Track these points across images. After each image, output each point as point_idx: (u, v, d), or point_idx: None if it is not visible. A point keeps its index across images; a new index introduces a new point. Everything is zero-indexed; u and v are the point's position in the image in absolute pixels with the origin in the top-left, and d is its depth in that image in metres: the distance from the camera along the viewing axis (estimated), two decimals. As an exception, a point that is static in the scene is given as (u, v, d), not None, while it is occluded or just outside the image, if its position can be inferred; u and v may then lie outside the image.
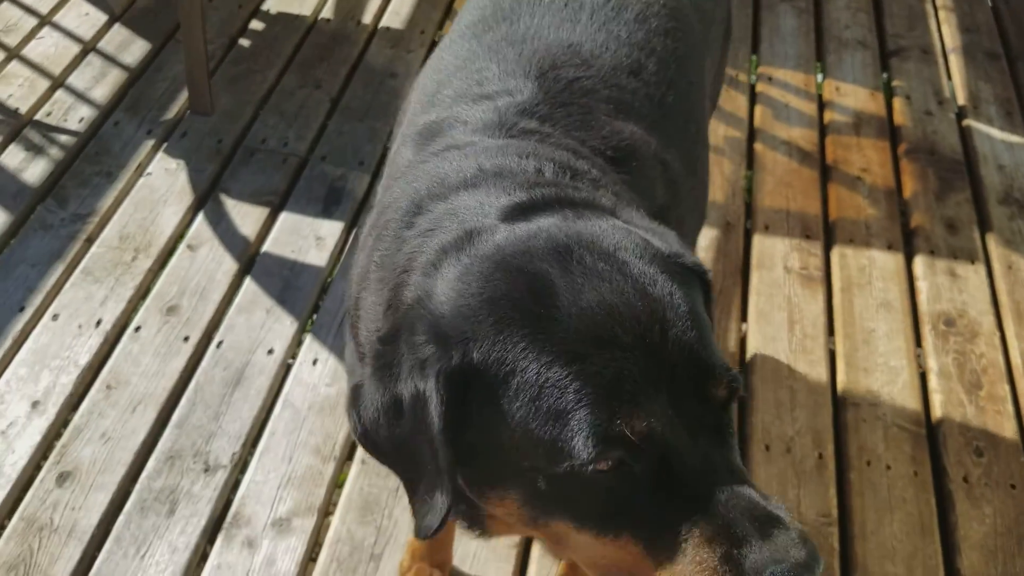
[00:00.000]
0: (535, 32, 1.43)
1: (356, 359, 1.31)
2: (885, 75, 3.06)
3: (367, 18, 3.10)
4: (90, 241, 2.37)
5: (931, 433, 2.11)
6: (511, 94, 1.33)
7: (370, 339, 1.14)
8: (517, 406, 0.92)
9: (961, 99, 2.97)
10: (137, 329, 2.19)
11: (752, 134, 2.79)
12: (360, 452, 2.00)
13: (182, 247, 2.37)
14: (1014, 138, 2.84)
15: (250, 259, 2.36)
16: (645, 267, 0.98)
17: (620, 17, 1.47)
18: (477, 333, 0.94)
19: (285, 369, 2.15)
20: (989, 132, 2.86)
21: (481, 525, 1.13)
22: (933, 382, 2.20)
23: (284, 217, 2.46)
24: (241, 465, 1.98)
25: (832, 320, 2.30)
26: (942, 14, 3.31)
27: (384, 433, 1.00)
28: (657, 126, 1.39)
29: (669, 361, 0.92)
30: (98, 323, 2.19)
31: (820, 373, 2.19)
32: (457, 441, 0.95)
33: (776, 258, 2.42)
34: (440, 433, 0.93)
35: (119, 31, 2.99)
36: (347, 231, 2.44)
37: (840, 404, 2.14)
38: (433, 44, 3.03)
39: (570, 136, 1.29)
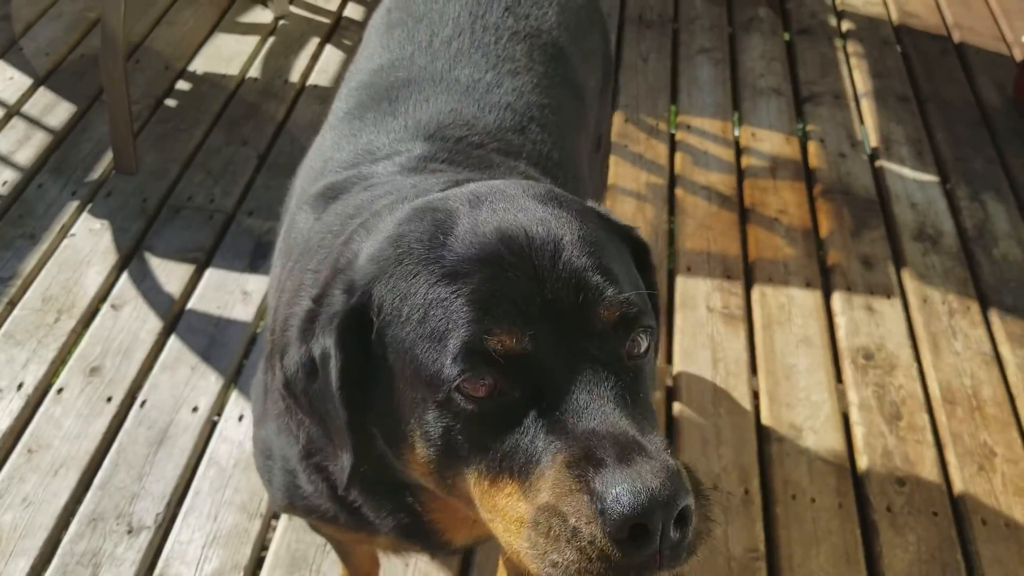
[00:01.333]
0: (415, 106, 1.46)
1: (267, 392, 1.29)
2: (799, 121, 3.17)
3: (294, 76, 3.13)
4: (12, 304, 2.34)
5: (854, 465, 2.16)
6: (408, 152, 1.35)
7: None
8: (407, 332, 0.92)
9: (873, 141, 3.08)
10: (59, 391, 2.16)
11: (673, 180, 2.86)
12: (287, 507, 1.98)
13: (105, 307, 2.35)
14: (925, 177, 2.95)
15: (175, 317, 2.35)
16: (557, 209, 0.97)
17: (499, 88, 1.51)
18: (380, 271, 0.95)
19: (210, 426, 2.12)
20: (901, 172, 2.96)
21: (415, 516, 1.11)
22: (854, 415, 2.25)
23: (210, 273, 2.45)
24: (166, 526, 1.94)
25: (755, 357, 2.35)
26: (853, 60, 3.45)
27: (300, 388, 1.01)
28: (547, 173, 1.44)
29: (556, 285, 0.89)
30: (20, 386, 2.15)
31: (744, 409, 2.23)
32: (364, 396, 0.96)
33: (699, 298, 2.47)
34: (338, 391, 0.94)
35: (44, 94, 2.98)
36: (274, 285, 2.43)
37: (764, 439, 2.17)
38: (361, 100, 3.06)
39: (476, 172, 1.32)
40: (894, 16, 3.70)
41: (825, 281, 2.57)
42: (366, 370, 0.95)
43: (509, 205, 0.96)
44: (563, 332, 0.88)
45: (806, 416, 2.22)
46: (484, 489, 0.90)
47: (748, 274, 2.57)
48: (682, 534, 0.82)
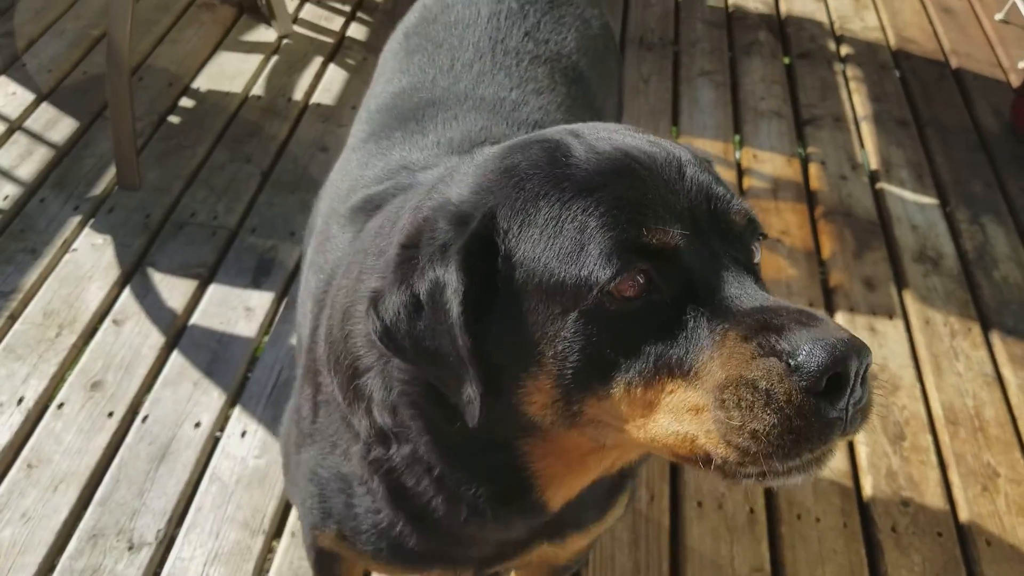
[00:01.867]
0: (443, 124, 1.45)
1: (310, 409, 1.25)
2: (800, 143, 3.19)
3: (298, 95, 3.14)
4: (13, 318, 2.32)
5: (858, 485, 2.15)
6: (446, 165, 1.29)
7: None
8: (540, 249, 0.90)
9: (874, 164, 3.10)
10: (60, 406, 2.14)
11: (676, 200, 2.87)
12: (289, 525, 1.96)
13: (107, 322, 2.34)
14: (925, 199, 2.97)
15: (177, 332, 2.34)
16: (654, 137, 1.00)
17: (525, 106, 1.51)
18: (496, 199, 0.93)
19: (213, 442, 2.11)
20: (901, 194, 2.98)
21: (511, 475, 1.05)
22: (858, 435, 2.24)
23: (213, 289, 2.44)
24: (167, 542, 1.92)
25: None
26: (853, 84, 3.48)
27: (404, 329, 0.95)
28: None
29: (688, 195, 0.91)
30: (20, 401, 2.14)
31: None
32: (483, 324, 0.92)
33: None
34: (459, 317, 0.90)
35: (46, 109, 2.98)
36: (277, 301, 2.43)
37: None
38: (364, 118, 3.08)
39: None
40: (892, 41, 3.74)
41: (828, 302, 2.58)
42: (484, 299, 0.92)
43: (613, 134, 0.98)
44: (703, 235, 0.90)
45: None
46: (636, 396, 0.87)
47: (751, 294, 2.57)
48: (865, 391, 0.82)
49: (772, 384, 0.80)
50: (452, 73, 1.56)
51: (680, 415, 0.86)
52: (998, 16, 3.91)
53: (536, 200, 0.91)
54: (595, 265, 0.86)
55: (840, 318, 2.52)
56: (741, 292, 0.88)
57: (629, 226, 0.87)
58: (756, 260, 0.96)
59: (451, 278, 0.91)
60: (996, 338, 2.51)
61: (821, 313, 0.87)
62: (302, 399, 1.28)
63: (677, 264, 0.88)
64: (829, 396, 0.80)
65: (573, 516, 1.24)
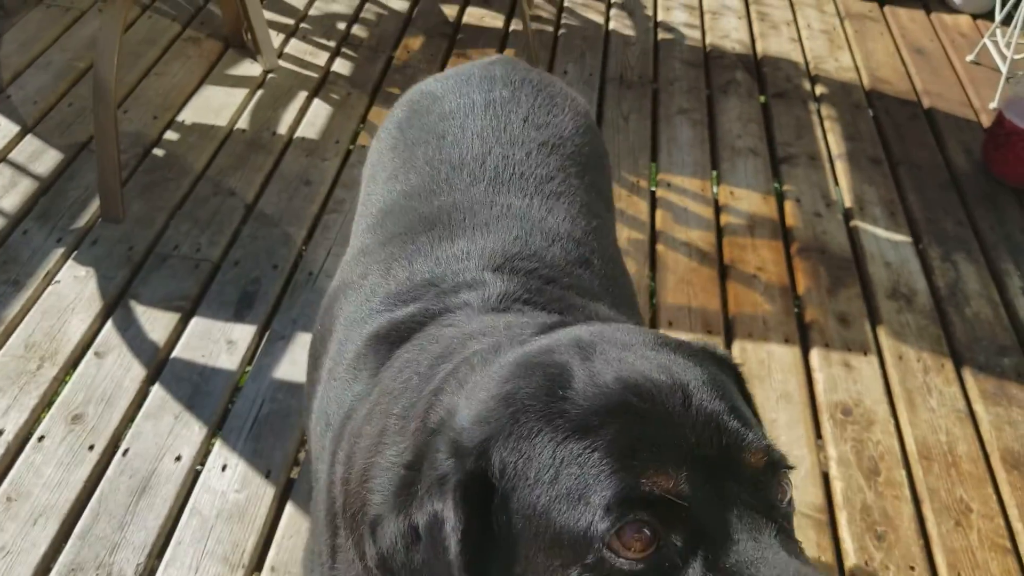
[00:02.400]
0: (473, 232, 1.38)
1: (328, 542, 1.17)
2: (776, 180, 3.25)
3: (282, 128, 3.18)
4: (-7, 350, 2.33)
5: (834, 519, 2.18)
6: (483, 286, 1.25)
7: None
8: (537, 495, 0.84)
9: (848, 202, 3.17)
10: (40, 439, 2.14)
11: (654, 236, 2.92)
12: (270, 559, 1.97)
13: (89, 355, 2.34)
14: (898, 237, 3.03)
15: (159, 365, 2.35)
16: (670, 353, 0.92)
17: (551, 215, 1.46)
18: (494, 433, 0.88)
19: (193, 476, 2.11)
20: (875, 232, 3.04)
21: None
22: (833, 470, 2.28)
23: (195, 322, 2.46)
24: (146, 577, 1.92)
25: (736, 412, 2.38)
26: (827, 123, 3.55)
27: (401, 560, 0.90)
28: (616, 305, 1.40)
29: (695, 431, 0.83)
30: (0, 433, 2.14)
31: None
32: (483, 563, 0.86)
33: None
34: (457, 557, 0.85)
35: (31, 141, 3.00)
36: (259, 334, 2.44)
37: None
38: (348, 153, 3.11)
39: (559, 315, 1.23)
40: (866, 81, 3.83)
41: (803, 337, 2.63)
42: (484, 539, 0.87)
43: (622, 353, 0.91)
44: (713, 478, 0.82)
45: (786, 470, 2.24)
46: None
47: (728, 329, 2.62)
48: None
49: None
50: (465, 171, 1.49)
51: None
52: (969, 57, 4.01)
53: (531, 438, 0.86)
54: (594, 517, 0.80)
55: (816, 354, 2.57)
56: (756, 554, 0.80)
57: (626, 474, 0.80)
58: (785, 498, 0.88)
59: (449, 515, 0.86)
60: (968, 374, 2.56)
61: None
62: (320, 544, 1.21)
63: (683, 513, 0.80)
64: None
65: None
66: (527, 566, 0.85)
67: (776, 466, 0.87)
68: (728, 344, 2.57)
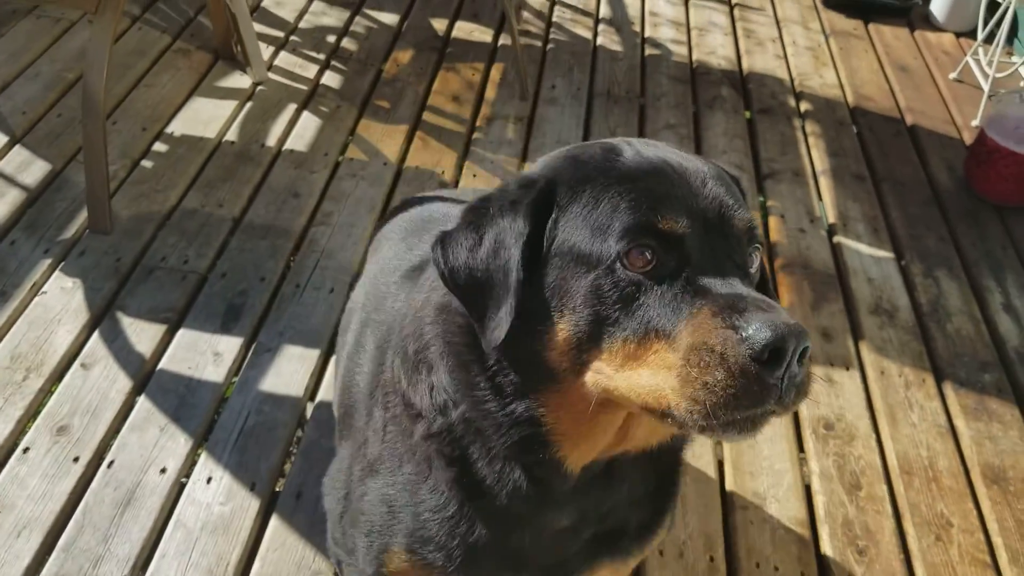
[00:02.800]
0: None
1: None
2: (761, 196, 3.28)
3: (271, 141, 3.19)
4: (-22, 361, 2.33)
5: (816, 534, 2.20)
6: None
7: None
8: (582, 218, 1.09)
9: (831, 218, 3.20)
10: (25, 450, 2.14)
11: (641, 250, 2.93)
12: (255, 572, 1.97)
13: (75, 366, 2.35)
14: (881, 253, 3.06)
15: (145, 376, 2.35)
16: (696, 156, 1.20)
17: None
18: (558, 174, 1.14)
19: (178, 488, 2.12)
20: (858, 248, 3.08)
21: (533, 427, 1.17)
22: (816, 484, 2.30)
23: (182, 334, 2.46)
24: (129, 589, 1.92)
25: (719, 426, 2.40)
26: (811, 140, 3.59)
27: (463, 261, 1.14)
28: None
29: (704, 201, 1.09)
30: (-17, 445, 2.13)
31: (709, 478, 2.27)
32: (527, 272, 1.10)
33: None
34: (518, 254, 1.09)
35: (19, 152, 3.00)
36: (246, 346, 2.45)
37: (729, 507, 2.21)
38: (336, 166, 3.13)
39: None
40: (850, 98, 3.87)
41: (787, 352, 2.64)
42: (532, 252, 1.11)
43: (658, 147, 1.18)
44: (708, 233, 1.08)
45: (769, 485, 2.26)
46: (630, 352, 1.04)
47: (712, 344, 2.63)
48: (801, 369, 0.99)
49: (726, 349, 0.97)
50: None
51: (657, 371, 1.03)
52: (952, 75, 4.06)
53: (586, 181, 1.11)
54: (615, 238, 1.05)
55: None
56: (723, 281, 1.06)
57: (648, 212, 1.06)
58: (752, 265, 1.13)
59: (517, 224, 1.10)
60: (949, 389, 2.59)
61: (778, 305, 1.04)
62: (368, 430, 1.44)
63: (679, 249, 1.06)
64: (770, 365, 0.96)
65: (621, 517, 1.35)
66: (560, 273, 1.09)
67: (752, 234, 1.13)
68: (712, 359, 2.58)
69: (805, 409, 2.47)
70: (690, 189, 1.10)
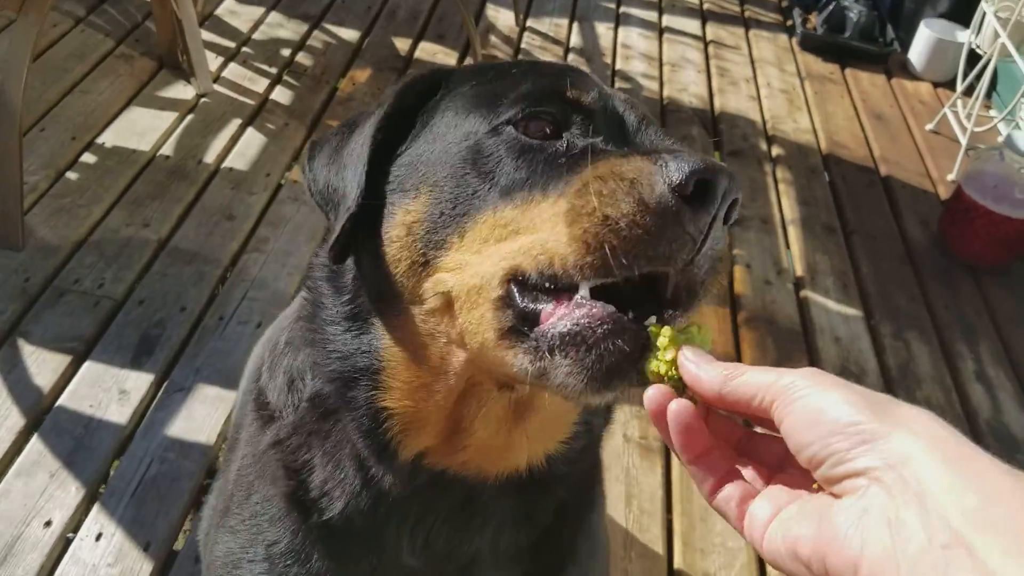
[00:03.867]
0: None
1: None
2: (727, 242, 3.11)
3: (209, 157, 2.98)
4: None
5: (768, 619, 2.02)
6: None
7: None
8: (474, 89, 0.93)
9: (799, 270, 3.04)
10: None
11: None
12: (139, 646, 1.75)
13: (-37, 398, 2.11)
14: (849, 311, 2.91)
15: (41, 414, 2.12)
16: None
17: None
18: (452, 72, 0.99)
19: (63, 545, 1.89)
20: (825, 304, 2.92)
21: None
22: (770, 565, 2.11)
23: (87, 367, 2.23)
24: (-7, 662, 1.69)
25: (671, 495, 2.21)
26: (782, 186, 3.44)
27: (324, 160, 0.98)
28: None
29: (612, 98, 0.93)
30: None
31: (656, 553, 2.08)
32: (390, 145, 0.94)
33: (616, 425, 2.34)
34: (372, 127, 0.92)
35: (-69, 155, 2.77)
36: (156, 385, 2.23)
37: (675, 588, 2.02)
38: (277, 188, 2.92)
39: None
40: (823, 144, 3.73)
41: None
42: (402, 127, 0.95)
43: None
44: (614, 118, 0.91)
45: (721, 564, 2.08)
46: (500, 220, 0.82)
47: (667, 403, 2.45)
48: (721, 237, 0.76)
49: (639, 175, 0.73)
50: None
51: (536, 225, 0.79)
52: (928, 126, 3.94)
53: (485, 72, 0.96)
54: (509, 103, 0.87)
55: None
56: (634, 144, 0.89)
57: (554, 80, 0.89)
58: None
59: (383, 107, 0.94)
60: (915, 463, 2.42)
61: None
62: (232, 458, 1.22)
63: (586, 123, 0.87)
64: (693, 207, 0.72)
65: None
66: (428, 146, 0.91)
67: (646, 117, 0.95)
68: (666, 419, 2.40)
69: (763, 480, 2.29)
70: (601, 87, 0.94)
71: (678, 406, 0.68)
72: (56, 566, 1.85)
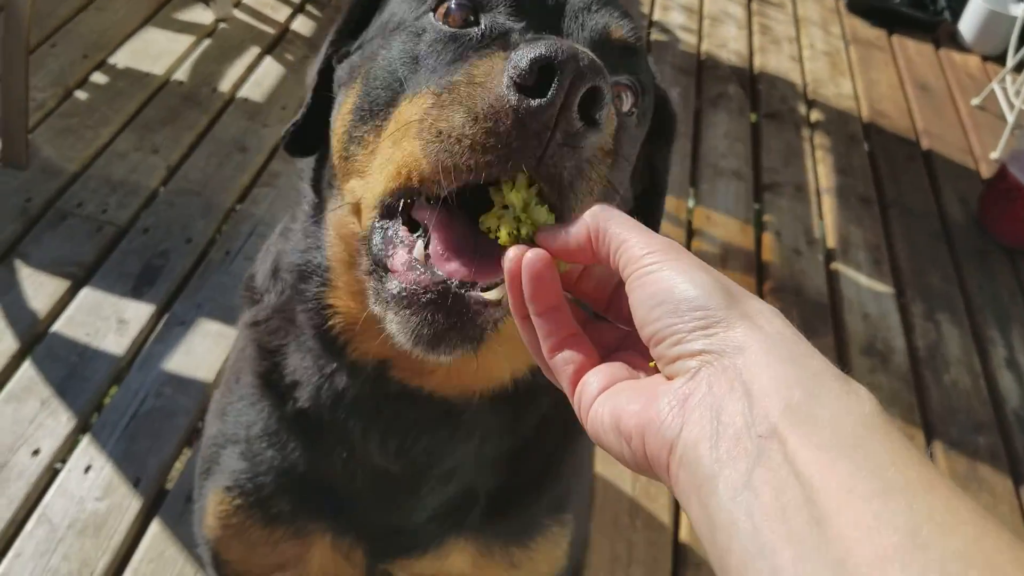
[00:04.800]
0: None
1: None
2: (757, 207, 2.99)
3: (224, 85, 2.86)
4: None
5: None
6: None
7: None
8: None
9: (831, 241, 2.92)
10: None
11: (618, 255, 2.65)
12: (123, 584, 1.69)
13: (-44, 317, 2.04)
14: (880, 287, 2.79)
15: (35, 338, 2.04)
16: None
17: None
18: None
19: (50, 475, 1.82)
20: (856, 278, 2.80)
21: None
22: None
23: (85, 293, 2.15)
24: (-28, 591, 1.63)
25: (681, 466, 2.12)
26: (819, 153, 3.30)
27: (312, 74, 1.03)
28: None
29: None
30: None
31: (662, 524, 1.99)
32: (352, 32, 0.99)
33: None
34: (327, 45, 0.99)
35: (-62, 65, 2.66)
36: (156, 316, 2.14)
37: (681, 561, 1.94)
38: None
39: None
40: (864, 112, 3.58)
41: (765, 388, 2.37)
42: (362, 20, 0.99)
43: None
44: (549, 10, 0.85)
45: (729, 541, 1.99)
46: (402, 115, 0.78)
47: (684, 370, 2.35)
48: (586, 124, 0.66)
49: (488, 77, 0.69)
50: None
51: (417, 133, 0.73)
52: (975, 101, 3.78)
53: None
54: None
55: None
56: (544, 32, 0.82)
57: None
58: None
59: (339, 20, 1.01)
60: (939, 450, 2.32)
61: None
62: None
63: (506, 13, 0.82)
64: (534, 98, 0.65)
65: (467, 481, 1.07)
66: (368, 49, 0.92)
67: (629, 51, 0.89)
68: (682, 387, 2.30)
69: (779, 456, 2.20)
70: None
71: (534, 254, 0.64)
72: (42, 496, 1.78)
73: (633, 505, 2.01)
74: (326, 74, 0.99)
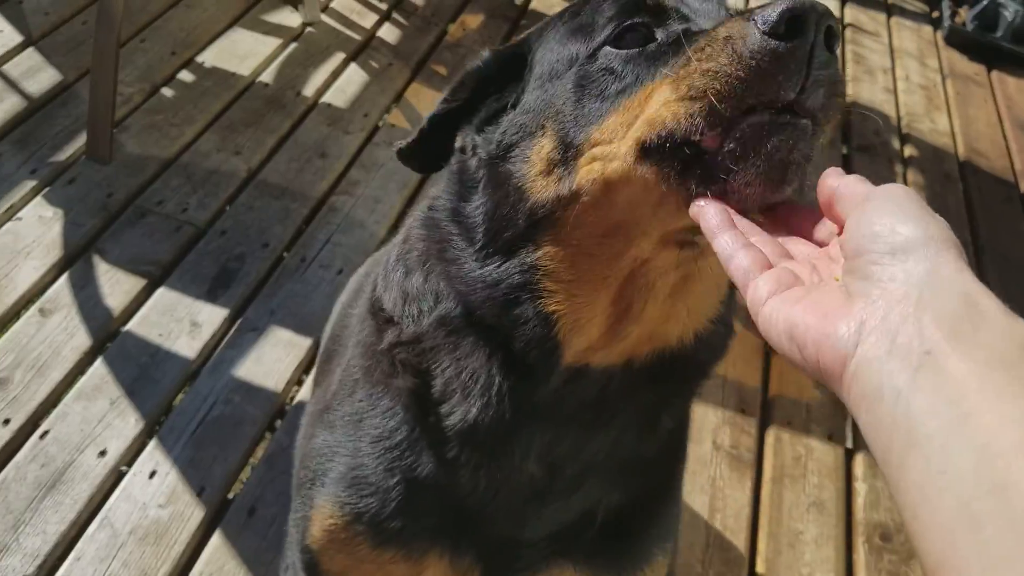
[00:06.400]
0: None
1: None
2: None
3: (309, 90, 2.84)
4: (-72, 285, 2.02)
5: (852, 666, 1.83)
6: None
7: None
8: (560, 33, 0.99)
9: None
10: (-48, 399, 1.83)
11: (699, 286, 2.56)
12: (180, 597, 1.65)
13: (32, 310, 2.03)
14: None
15: (108, 336, 2.03)
16: None
17: None
18: (533, 33, 1.05)
19: (115, 478, 1.80)
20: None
21: (535, 306, 0.96)
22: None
23: (161, 293, 2.13)
24: (31, 592, 1.61)
25: (758, 513, 2.03)
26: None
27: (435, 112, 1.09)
28: None
29: None
30: (-93, 385, 1.83)
31: (737, 573, 1.90)
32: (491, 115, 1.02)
33: (706, 430, 2.15)
34: (471, 73, 1.05)
35: (31, 56, 2.69)
36: (230, 320, 2.12)
37: (754, 616, 1.85)
38: (374, 130, 2.77)
39: None
40: (961, 150, 3.43)
41: (850, 437, 2.26)
42: (503, 87, 1.03)
43: None
44: (705, 9, 0.93)
45: (806, 598, 1.89)
46: (625, 108, 0.86)
47: (766, 411, 2.25)
48: (830, 64, 0.77)
49: (732, 33, 0.78)
50: None
51: (652, 103, 0.83)
52: (1077, 144, 3.60)
53: (569, 8, 1.01)
54: (603, 25, 0.92)
55: (861, 460, 2.19)
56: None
57: None
58: None
59: (481, 61, 1.06)
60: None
61: None
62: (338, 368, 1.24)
63: (676, 17, 0.91)
64: (788, 41, 0.75)
65: (594, 496, 1.08)
66: (540, 92, 0.97)
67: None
68: (762, 430, 2.20)
69: (861, 510, 2.09)
70: None
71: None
72: (105, 499, 1.76)
73: (708, 548, 1.92)
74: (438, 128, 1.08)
